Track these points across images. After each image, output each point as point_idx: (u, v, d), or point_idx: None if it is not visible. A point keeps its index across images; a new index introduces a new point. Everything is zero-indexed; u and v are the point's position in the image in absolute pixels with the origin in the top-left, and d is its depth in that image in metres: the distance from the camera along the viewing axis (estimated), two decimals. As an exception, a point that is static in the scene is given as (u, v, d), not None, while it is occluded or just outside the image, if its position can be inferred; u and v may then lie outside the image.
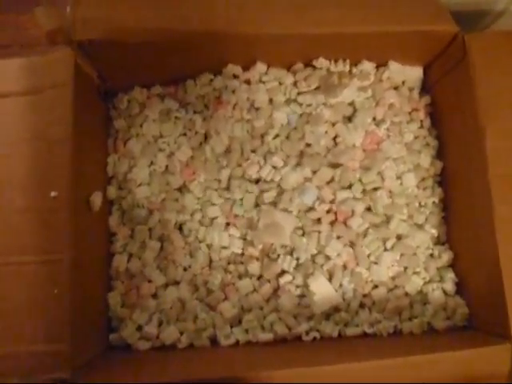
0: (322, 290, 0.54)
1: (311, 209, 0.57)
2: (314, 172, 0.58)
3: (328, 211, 0.57)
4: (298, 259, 0.56)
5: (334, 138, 0.59)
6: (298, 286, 0.56)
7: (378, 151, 0.59)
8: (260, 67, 0.59)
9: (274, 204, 0.57)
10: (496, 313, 0.49)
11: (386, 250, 0.57)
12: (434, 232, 0.58)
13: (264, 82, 0.59)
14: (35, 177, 0.47)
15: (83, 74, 0.51)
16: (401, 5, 0.51)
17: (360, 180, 0.58)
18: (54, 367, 0.44)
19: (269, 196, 0.56)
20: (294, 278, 0.56)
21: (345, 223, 0.57)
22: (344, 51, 0.57)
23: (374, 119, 0.60)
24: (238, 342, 0.54)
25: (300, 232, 0.57)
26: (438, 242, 0.59)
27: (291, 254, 0.57)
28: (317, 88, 0.59)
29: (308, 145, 0.58)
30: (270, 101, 0.59)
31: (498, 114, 0.50)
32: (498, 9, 0.62)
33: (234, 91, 0.59)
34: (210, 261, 0.57)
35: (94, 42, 0.49)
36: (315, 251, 0.56)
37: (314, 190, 0.57)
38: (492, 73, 0.51)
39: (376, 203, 0.57)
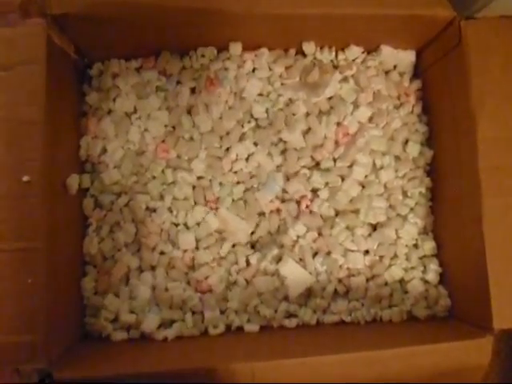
0: (294, 272, 0.54)
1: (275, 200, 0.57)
2: (284, 163, 0.57)
3: (296, 200, 0.57)
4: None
5: (309, 131, 0.57)
6: (267, 273, 0.56)
7: (352, 143, 0.57)
8: (253, 54, 0.57)
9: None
10: (479, 304, 0.49)
11: (354, 238, 0.56)
12: (419, 222, 0.58)
13: (256, 70, 0.57)
14: (6, 160, 0.44)
15: (57, 50, 0.48)
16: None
17: (331, 170, 0.57)
18: (30, 358, 0.43)
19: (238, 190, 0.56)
20: (264, 256, 0.55)
21: (310, 211, 0.57)
22: (334, 33, 0.55)
23: (357, 108, 0.58)
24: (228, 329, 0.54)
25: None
26: (423, 231, 0.58)
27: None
28: (300, 79, 0.58)
29: (283, 140, 0.57)
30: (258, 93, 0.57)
31: (491, 103, 0.49)
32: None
33: (228, 73, 0.57)
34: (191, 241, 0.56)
35: (69, 16, 0.45)
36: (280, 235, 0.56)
37: (277, 183, 0.56)
38: (487, 60, 0.49)
39: (344, 193, 0.56)
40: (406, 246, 0.57)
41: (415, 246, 0.58)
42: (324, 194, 0.57)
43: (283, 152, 0.57)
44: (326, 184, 0.57)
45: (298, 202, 0.57)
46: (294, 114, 0.57)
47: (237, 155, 0.56)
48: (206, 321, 0.53)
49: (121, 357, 0.48)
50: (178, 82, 0.57)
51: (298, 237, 0.56)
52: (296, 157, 0.57)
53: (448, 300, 0.55)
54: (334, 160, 0.58)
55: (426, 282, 0.57)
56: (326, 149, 0.57)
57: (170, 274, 0.55)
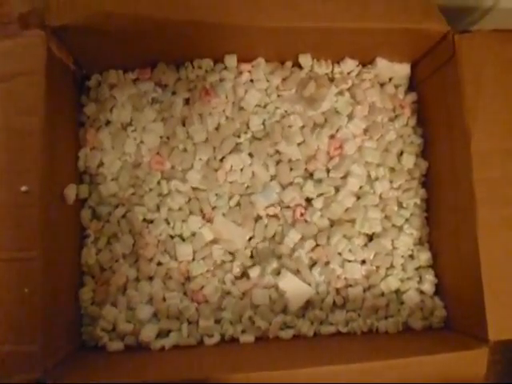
0: (293, 286, 0.54)
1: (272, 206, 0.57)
2: (278, 174, 0.57)
3: (290, 208, 0.57)
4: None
5: (303, 143, 0.58)
6: (266, 287, 0.56)
7: (346, 155, 0.58)
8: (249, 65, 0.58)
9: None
10: (474, 315, 0.49)
11: (351, 248, 0.57)
12: (415, 233, 0.58)
13: (253, 81, 0.58)
14: (4, 170, 0.44)
15: (56, 61, 0.48)
16: (391, 1, 0.50)
17: (324, 181, 0.57)
18: (25, 368, 0.43)
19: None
20: (264, 269, 0.55)
21: (305, 220, 0.57)
22: (330, 46, 0.55)
23: (352, 120, 0.58)
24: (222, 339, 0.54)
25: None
26: (419, 242, 0.59)
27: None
28: (296, 91, 0.58)
29: (279, 151, 0.58)
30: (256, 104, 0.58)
31: (484, 115, 0.49)
32: (486, 5, 0.61)
33: (224, 84, 0.57)
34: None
35: (69, 28, 0.46)
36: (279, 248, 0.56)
37: (274, 190, 0.56)
38: (481, 73, 0.50)
39: (339, 204, 0.57)
40: (402, 256, 0.58)
41: (411, 256, 0.58)
42: (318, 203, 0.57)
43: (278, 163, 0.58)
44: (320, 194, 0.57)
45: (293, 211, 0.57)
46: (290, 127, 0.58)
47: (231, 166, 0.56)
48: (201, 329, 0.53)
49: (117, 367, 0.48)
50: (173, 93, 0.57)
51: (295, 244, 0.56)
52: (289, 168, 0.57)
53: (444, 311, 0.55)
54: (328, 171, 0.58)
55: (421, 292, 0.57)
56: (320, 160, 0.58)
57: (167, 284, 0.55)
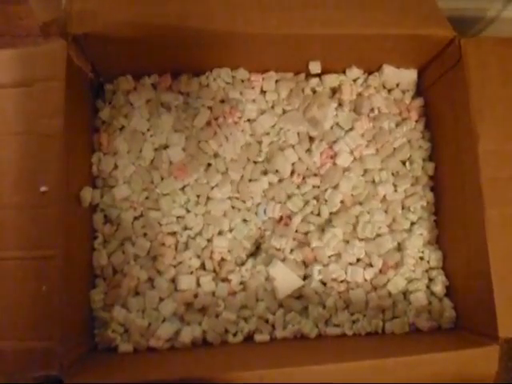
0: (282, 274, 0.55)
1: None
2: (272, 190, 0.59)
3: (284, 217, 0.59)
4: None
5: (301, 158, 0.59)
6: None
7: (339, 165, 0.59)
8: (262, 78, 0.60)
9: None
10: (484, 314, 0.49)
11: (355, 249, 0.57)
12: (425, 234, 0.59)
13: (265, 92, 0.60)
14: (25, 171, 0.46)
15: (76, 68, 0.50)
16: (398, 7, 0.52)
17: (317, 188, 0.59)
18: (43, 365, 0.44)
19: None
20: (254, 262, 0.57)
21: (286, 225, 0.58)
22: (338, 53, 0.57)
23: (352, 131, 0.59)
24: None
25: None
26: (428, 244, 0.59)
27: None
28: (298, 109, 0.60)
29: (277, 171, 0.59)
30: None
31: (490, 118, 0.51)
32: (490, 15, 0.63)
33: (244, 104, 0.59)
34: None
35: (89, 36, 0.48)
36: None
37: (264, 212, 0.58)
38: (486, 77, 0.51)
39: (328, 206, 0.58)
40: (413, 257, 0.58)
41: (421, 258, 0.59)
42: (308, 210, 0.58)
43: (273, 181, 0.59)
44: (308, 202, 0.58)
45: (287, 219, 0.58)
46: (288, 144, 0.59)
47: (250, 180, 0.58)
48: (223, 321, 0.54)
49: (131, 366, 0.49)
50: (192, 104, 0.58)
51: (292, 250, 0.58)
52: (281, 186, 0.59)
53: (453, 311, 0.55)
54: (320, 180, 0.59)
55: (431, 293, 0.57)
56: (313, 171, 0.59)
57: (186, 282, 0.56)
